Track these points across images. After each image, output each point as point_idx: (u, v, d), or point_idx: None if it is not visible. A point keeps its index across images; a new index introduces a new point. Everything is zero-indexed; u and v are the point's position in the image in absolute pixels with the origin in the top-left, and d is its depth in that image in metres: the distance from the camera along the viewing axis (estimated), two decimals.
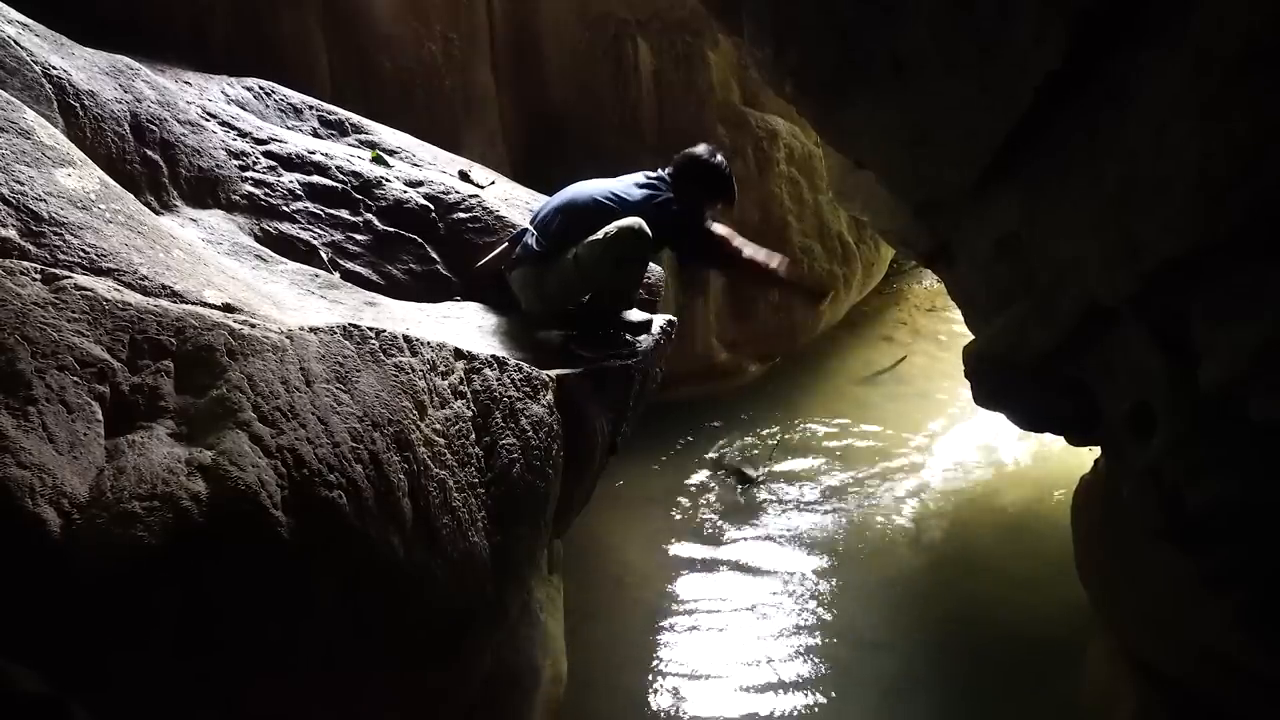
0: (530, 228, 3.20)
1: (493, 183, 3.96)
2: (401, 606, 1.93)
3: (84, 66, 2.84)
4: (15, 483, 1.41)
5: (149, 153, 2.91)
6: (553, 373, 2.75)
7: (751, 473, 5.28)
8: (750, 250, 3.26)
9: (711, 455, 5.58)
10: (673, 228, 3.05)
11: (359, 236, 3.36)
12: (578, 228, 3.02)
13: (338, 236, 3.31)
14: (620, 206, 3.04)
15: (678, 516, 4.96)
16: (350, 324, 2.11)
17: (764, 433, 5.87)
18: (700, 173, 3.20)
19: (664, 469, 5.45)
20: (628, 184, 3.16)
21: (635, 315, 3.28)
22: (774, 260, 3.25)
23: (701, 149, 3.26)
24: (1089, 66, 2.40)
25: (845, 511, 4.95)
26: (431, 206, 3.57)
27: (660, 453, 5.54)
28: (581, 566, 4.34)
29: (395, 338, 2.18)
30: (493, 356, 2.50)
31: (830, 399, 6.47)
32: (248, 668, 1.62)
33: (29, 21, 2.82)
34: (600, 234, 2.95)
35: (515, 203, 3.82)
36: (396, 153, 3.92)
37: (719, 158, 3.24)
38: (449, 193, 3.66)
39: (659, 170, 3.23)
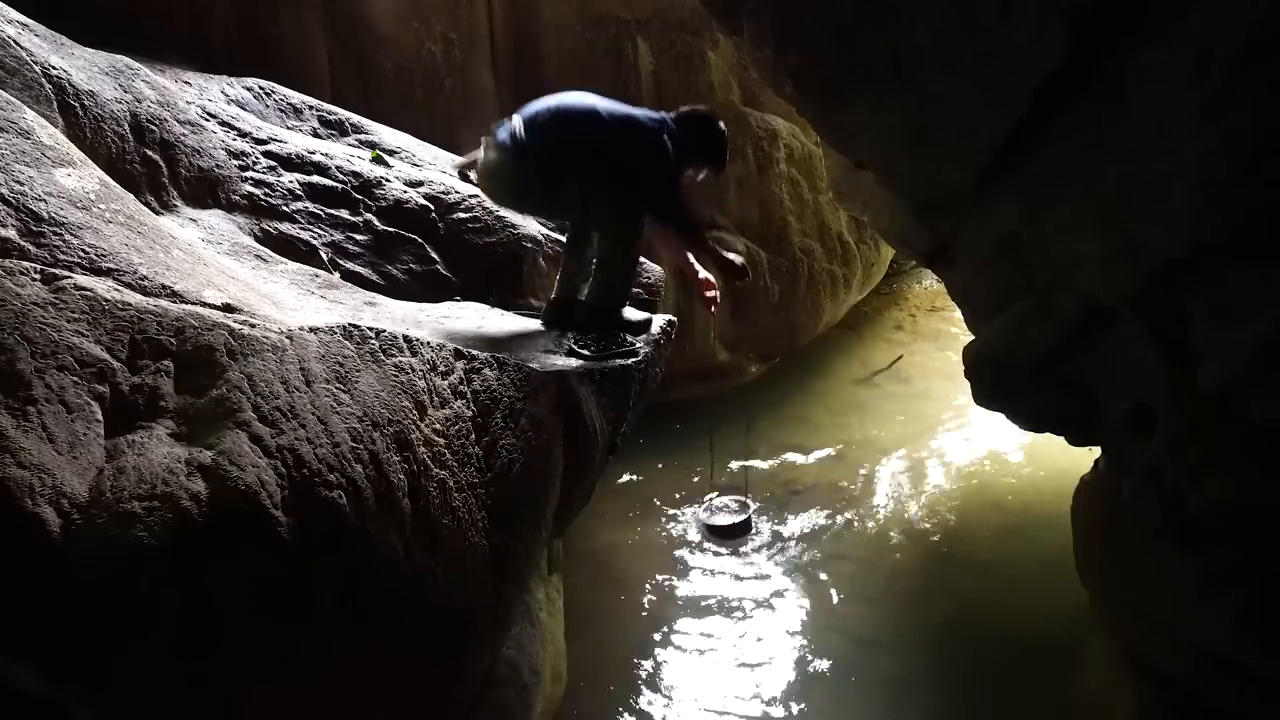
0: (516, 117, 3.09)
1: None
2: (401, 606, 1.93)
3: (84, 66, 2.84)
4: (15, 483, 1.41)
5: (149, 153, 2.91)
6: (553, 372, 2.75)
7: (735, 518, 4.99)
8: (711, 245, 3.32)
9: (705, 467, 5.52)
10: (654, 161, 3.00)
11: (359, 236, 3.36)
12: (565, 128, 2.98)
13: (338, 236, 3.31)
14: (610, 119, 3.01)
15: (677, 516, 4.96)
16: (350, 324, 2.11)
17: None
18: (702, 129, 3.17)
19: (664, 469, 5.44)
20: (627, 107, 3.12)
21: (635, 315, 3.28)
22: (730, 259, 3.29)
23: (708, 109, 3.27)
24: (1089, 66, 2.40)
25: (845, 511, 4.95)
26: (431, 206, 3.57)
27: (660, 453, 5.54)
28: (581, 566, 4.34)
29: (395, 338, 2.18)
30: (493, 356, 2.50)
31: (830, 399, 6.47)
32: (247, 668, 1.62)
33: (29, 21, 2.82)
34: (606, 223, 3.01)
35: None
36: (396, 153, 3.92)
37: (722, 124, 3.23)
38: (449, 193, 3.66)
39: (663, 114, 3.18)
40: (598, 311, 3.14)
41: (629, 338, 3.20)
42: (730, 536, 4.72)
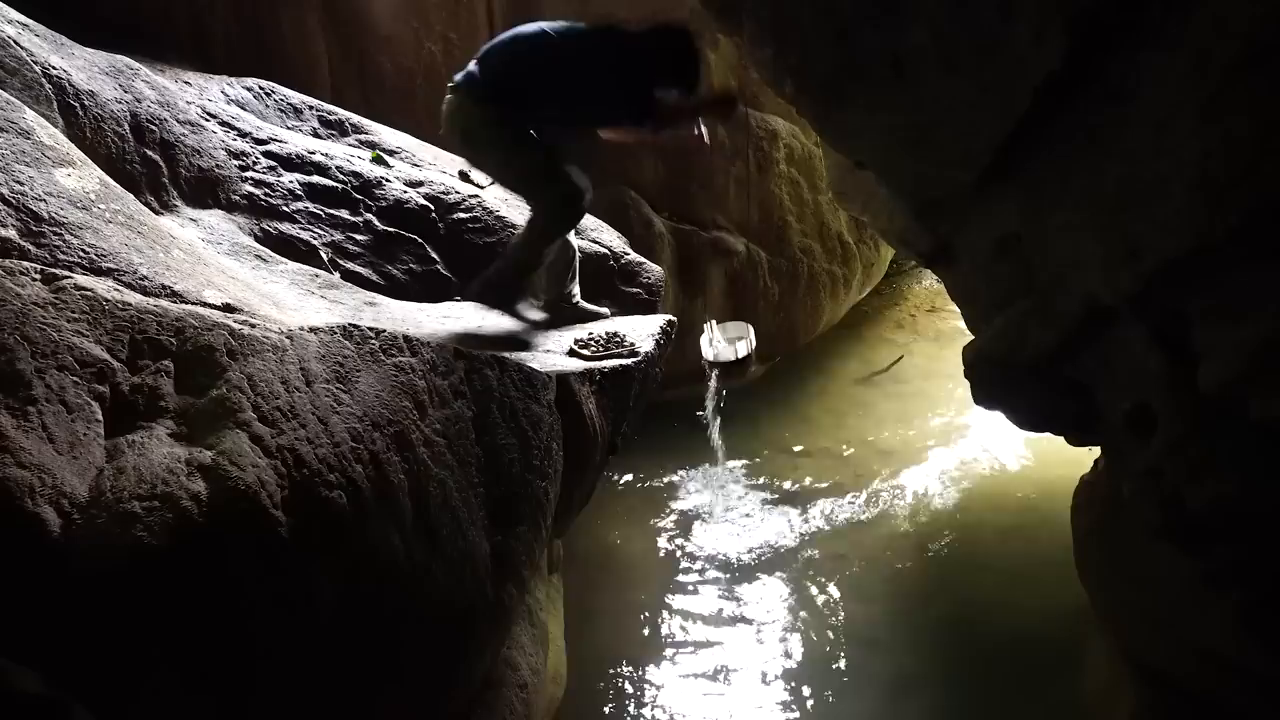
0: (473, 61, 3.09)
1: (492, 182, 3.96)
2: (402, 606, 1.93)
3: (84, 66, 2.84)
4: (15, 483, 1.41)
5: (149, 153, 2.91)
6: (553, 373, 2.75)
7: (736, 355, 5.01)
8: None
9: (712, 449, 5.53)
10: (609, 68, 2.95)
11: (359, 236, 3.36)
12: (517, 53, 2.98)
13: (338, 236, 3.31)
14: (557, 35, 2.97)
15: (677, 516, 4.96)
16: (350, 324, 2.11)
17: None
18: (670, 41, 3.05)
19: (664, 469, 5.45)
20: (579, 24, 3.07)
21: (531, 313, 3.32)
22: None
23: (679, 21, 3.15)
24: (1089, 66, 2.40)
25: (845, 511, 4.95)
26: (431, 206, 3.57)
27: (660, 452, 5.54)
28: (581, 566, 4.33)
29: (395, 338, 2.17)
30: (493, 356, 2.50)
31: (830, 399, 6.47)
32: (247, 668, 1.62)
33: (29, 21, 2.82)
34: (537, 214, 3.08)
35: (515, 203, 3.82)
36: (396, 153, 3.92)
37: (696, 39, 3.12)
38: (449, 193, 3.66)
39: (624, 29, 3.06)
40: (506, 272, 3.18)
41: (627, 337, 3.20)
42: (733, 369, 4.86)
